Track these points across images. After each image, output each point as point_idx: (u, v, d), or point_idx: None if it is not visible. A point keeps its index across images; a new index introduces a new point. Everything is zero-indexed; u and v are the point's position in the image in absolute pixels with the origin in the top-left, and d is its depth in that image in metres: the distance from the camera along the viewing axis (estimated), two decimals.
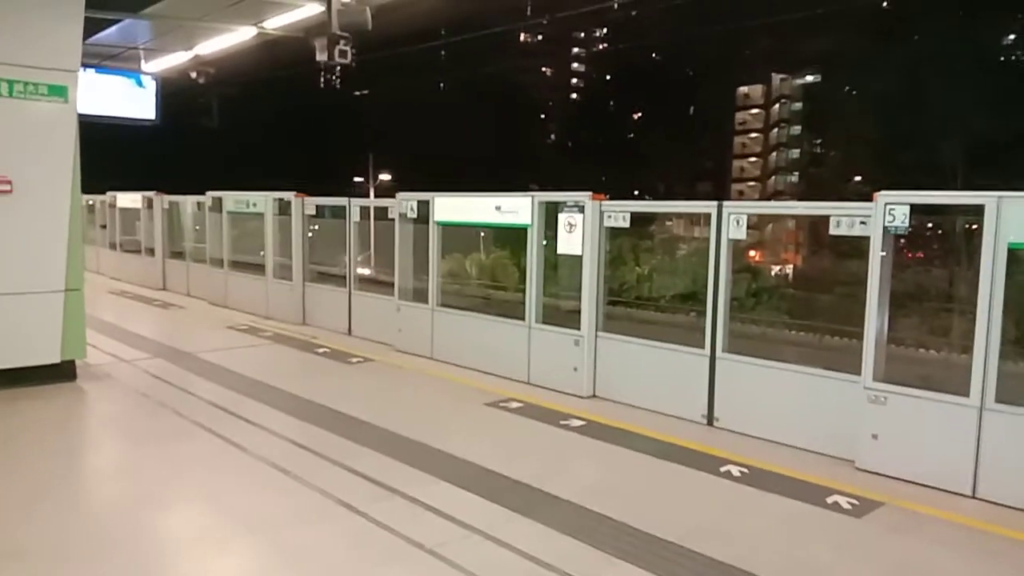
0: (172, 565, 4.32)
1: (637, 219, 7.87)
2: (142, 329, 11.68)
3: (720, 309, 6.89)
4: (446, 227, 9.73)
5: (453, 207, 9.56)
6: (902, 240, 6.20)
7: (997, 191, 5.27)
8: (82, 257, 8.42)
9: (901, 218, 5.63)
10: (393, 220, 10.28)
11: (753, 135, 68.16)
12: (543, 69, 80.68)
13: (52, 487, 5.36)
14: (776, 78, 66.55)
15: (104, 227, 19.66)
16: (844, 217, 6.05)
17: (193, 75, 12.84)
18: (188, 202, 16.28)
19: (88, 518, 4.92)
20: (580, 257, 7.87)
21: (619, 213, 7.74)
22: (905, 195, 5.67)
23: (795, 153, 64.61)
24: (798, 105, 64.69)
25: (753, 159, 68.35)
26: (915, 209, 5.66)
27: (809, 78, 62.15)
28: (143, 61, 12.71)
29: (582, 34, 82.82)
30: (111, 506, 5.15)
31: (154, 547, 4.50)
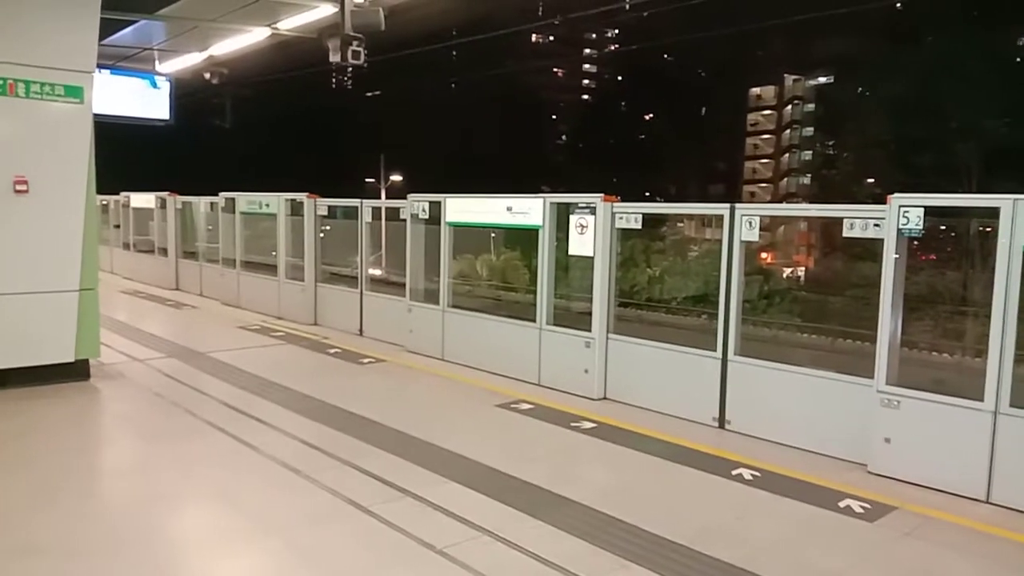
0: (184, 563, 4.34)
1: (648, 221, 7.84)
2: (155, 329, 11.76)
3: (732, 312, 6.86)
4: (457, 228, 9.75)
5: (464, 208, 9.58)
6: (915, 242, 6.16)
7: (1013, 193, 5.24)
8: (97, 257, 8.49)
9: (915, 221, 5.60)
10: (404, 221, 10.31)
11: (765, 136, 67.91)
12: (554, 70, 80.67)
13: (66, 484, 5.40)
14: (788, 79, 66.30)
15: (118, 227, 19.81)
16: (858, 219, 6.03)
17: (207, 76, 12.91)
18: (201, 203, 16.38)
19: (102, 515, 4.96)
20: (591, 259, 7.87)
21: (631, 215, 7.73)
22: (919, 198, 5.63)
23: (807, 155, 64.31)
24: (811, 107, 64.40)
25: (765, 161, 68.09)
26: (929, 212, 5.63)
27: (822, 79, 61.83)
28: (157, 62, 12.77)
29: (594, 35, 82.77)
30: (124, 504, 5.18)
31: (166, 545, 4.53)
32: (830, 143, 56.12)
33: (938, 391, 5.65)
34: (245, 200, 13.86)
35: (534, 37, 75.94)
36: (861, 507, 5.16)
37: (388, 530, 4.65)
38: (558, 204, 8.34)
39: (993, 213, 5.31)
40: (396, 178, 44.72)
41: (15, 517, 4.81)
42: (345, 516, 4.88)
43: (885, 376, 5.77)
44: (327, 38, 9.26)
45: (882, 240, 5.80)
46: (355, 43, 9.07)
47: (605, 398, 7.89)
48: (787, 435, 6.46)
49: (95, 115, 8.17)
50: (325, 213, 12.30)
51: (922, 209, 5.59)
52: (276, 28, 10.36)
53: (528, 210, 8.54)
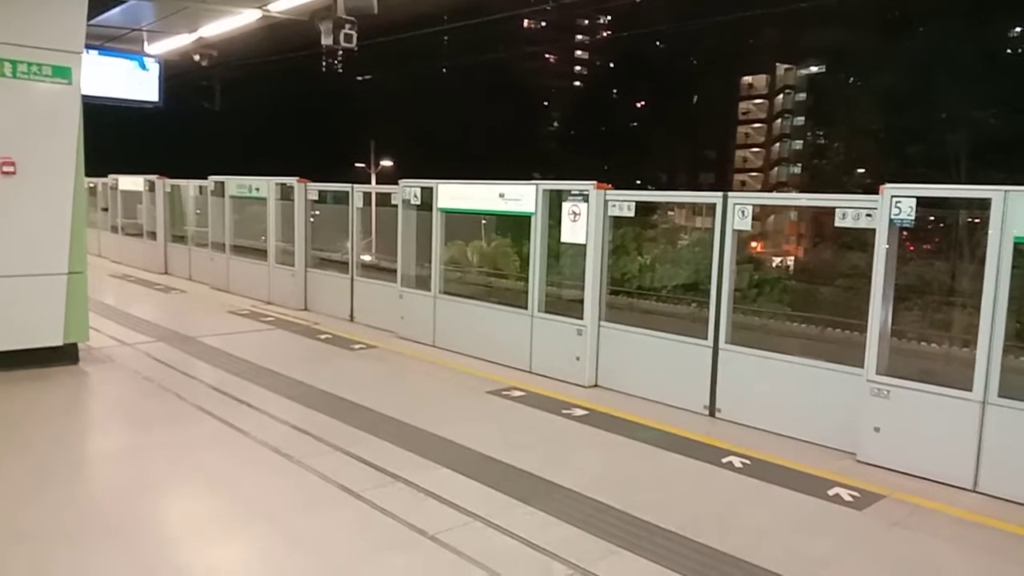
0: (175, 548, 4.33)
1: (639, 209, 7.84)
2: (144, 313, 11.68)
3: (723, 300, 6.88)
4: (448, 214, 9.72)
5: (457, 194, 9.54)
6: (905, 232, 6.18)
7: (1004, 185, 5.26)
8: (85, 240, 8.41)
9: (907, 211, 5.62)
10: (396, 206, 10.26)
11: (756, 125, 67.96)
12: (546, 56, 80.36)
13: (56, 469, 5.37)
14: (780, 68, 66.29)
15: (106, 210, 19.64)
16: (850, 209, 6.04)
17: (196, 58, 12.78)
18: (190, 186, 16.25)
19: (91, 500, 4.93)
20: (583, 246, 7.86)
21: (623, 202, 7.72)
22: (911, 188, 5.65)
23: (798, 144, 64.44)
24: (802, 96, 64.47)
25: (756, 149, 68.18)
26: (921, 202, 5.65)
27: (813, 68, 61.87)
28: (146, 43, 12.62)
29: (586, 22, 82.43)
30: (114, 489, 5.16)
31: (157, 530, 4.51)
32: (821, 132, 56.22)
33: (927, 381, 5.69)
34: (235, 184, 13.76)
35: (526, 23, 75.55)
36: (850, 495, 5.21)
37: (379, 516, 4.65)
38: (550, 191, 8.33)
39: (984, 204, 5.33)
40: (387, 163, 44.50)
41: (4, 502, 4.79)
42: (336, 501, 4.88)
43: (875, 366, 5.80)
44: (319, 20, 9.20)
45: (873, 230, 5.83)
46: (347, 26, 9.01)
47: (596, 385, 7.91)
48: (777, 423, 6.50)
49: (83, 96, 8.08)
50: (315, 198, 12.23)
51: (914, 199, 5.61)
52: (267, 10, 10.24)
53: (521, 197, 8.51)
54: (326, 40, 9.14)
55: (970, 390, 5.37)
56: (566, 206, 7.99)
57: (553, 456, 5.90)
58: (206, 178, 14.64)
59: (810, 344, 8.85)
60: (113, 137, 21.78)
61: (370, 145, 44.40)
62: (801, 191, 49.58)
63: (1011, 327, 5.50)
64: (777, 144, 66.88)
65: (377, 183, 32.17)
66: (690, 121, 64.79)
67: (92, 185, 19.32)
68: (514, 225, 13.20)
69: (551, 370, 8.22)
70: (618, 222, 8.29)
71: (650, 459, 5.94)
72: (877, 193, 5.78)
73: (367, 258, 12.68)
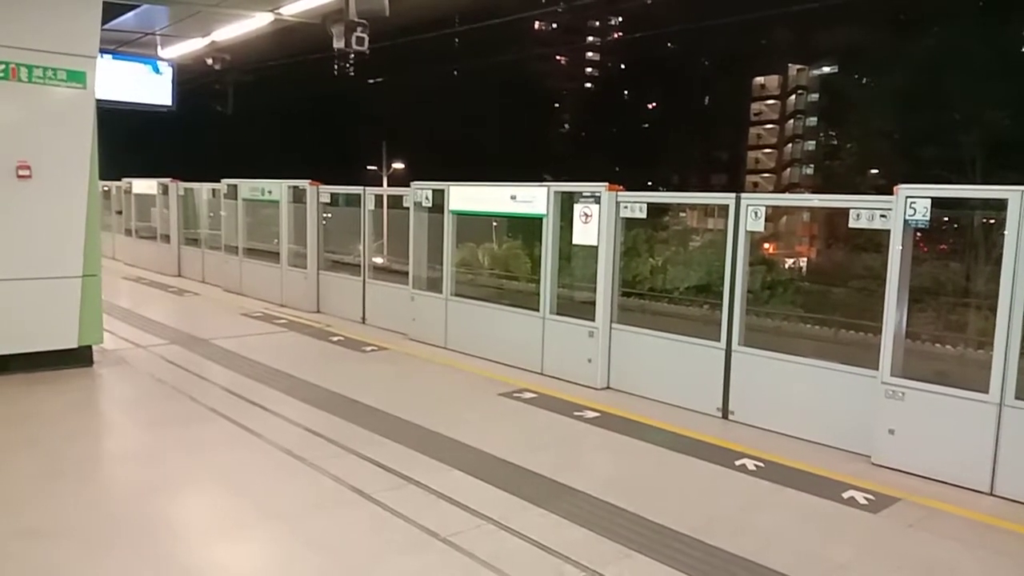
0: (186, 548, 4.33)
1: (650, 210, 7.82)
2: (157, 315, 11.75)
3: (737, 302, 6.84)
4: (460, 216, 9.72)
5: (468, 196, 9.54)
6: (919, 233, 6.13)
7: (1020, 185, 5.21)
8: (99, 243, 8.46)
9: (922, 212, 5.58)
10: (407, 209, 10.27)
11: (769, 126, 67.70)
12: (557, 58, 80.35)
13: (68, 469, 5.40)
14: (792, 68, 66.04)
15: (120, 213, 19.78)
16: (864, 210, 6.00)
17: (209, 62, 12.85)
18: (203, 189, 16.35)
19: (105, 501, 4.96)
20: (595, 248, 7.84)
21: (635, 204, 7.70)
22: (926, 188, 5.61)
23: (811, 145, 64.15)
24: (814, 96, 64.18)
25: (768, 150, 67.91)
26: (936, 203, 5.61)
27: (826, 69, 61.55)
28: (160, 47, 12.71)
29: (597, 23, 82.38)
30: (126, 489, 5.18)
31: (168, 530, 4.53)
32: (833, 133, 55.90)
33: (943, 383, 5.64)
34: (247, 187, 13.83)
35: (537, 25, 75.57)
36: (865, 498, 5.16)
37: (392, 518, 4.65)
38: (562, 193, 8.31)
39: (1000, 205, 5.28)
40: (398, 165, 44.61)
41: (17, 500, 4.82)
42: (349, 503, 4.88)
43: (890, 367, 5.76)
44: (331, 24, 9.23)
45: (887, 231, 5.78)
46: (359, 29, 9.03)
47: (608, 387, 7.89)
48: (791, 426, 6.46)
49: (97, 100, 8.13)
50: (327, 200, 12.27)
51: (929, 200, 5.56)
52: (279, 13, 10.28)
53: (532, 199, 8.50)
54: (338, 43, 9.17)
55: (986, 392, 5.31)
56: (578, 208, 7.98)
57: (565, 458, 5.88)
58: (219, 181, 14.72)
59: (824, 346, 8.80)
60: (127, 141, 21.94)
61: (382, 148, 44.53)
62: (814, 192, 49.34)
63: None
64: (789, 145, 66.62)
65: (389, 185, 32.28)
66: (702, 122, 64.66)
67: (106, 189, 19.47)
68: (525, 227, 13.21)
69: (563, 372, 8.20)
70: (630, 224, 8.27)
71: (662, 461, 5.92)
72: (891, 194, 5.74)
73: (379, 260, 12.71)
